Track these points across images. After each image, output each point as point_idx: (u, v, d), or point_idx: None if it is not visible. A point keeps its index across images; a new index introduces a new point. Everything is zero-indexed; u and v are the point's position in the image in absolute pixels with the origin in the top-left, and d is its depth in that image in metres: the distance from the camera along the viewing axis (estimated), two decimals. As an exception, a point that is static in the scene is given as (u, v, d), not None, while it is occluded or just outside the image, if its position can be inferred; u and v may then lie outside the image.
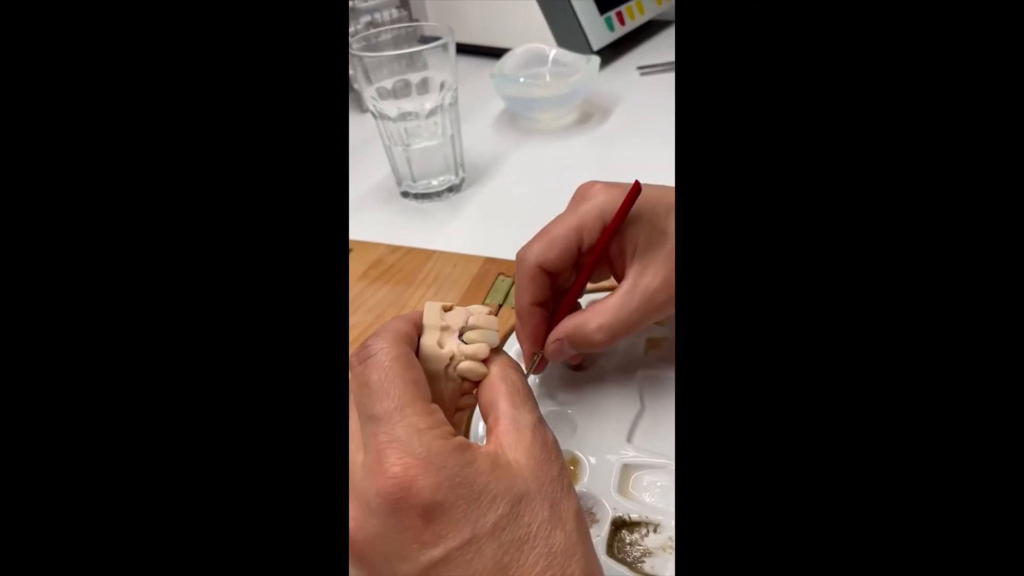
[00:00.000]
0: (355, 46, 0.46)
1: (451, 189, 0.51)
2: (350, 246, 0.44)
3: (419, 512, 0.16)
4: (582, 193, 0.27)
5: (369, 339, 0.19)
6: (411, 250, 0.42)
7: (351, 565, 0.17)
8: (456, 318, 0.22)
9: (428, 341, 0.21)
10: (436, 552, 0.15)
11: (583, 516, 0.18)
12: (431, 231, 0.47)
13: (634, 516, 0.24)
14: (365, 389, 0.18)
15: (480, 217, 0.48)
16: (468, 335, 0.21)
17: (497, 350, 0.22)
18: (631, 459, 0.26)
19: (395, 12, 0.71)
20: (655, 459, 0.26)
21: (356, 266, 0.41)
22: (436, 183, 0.51)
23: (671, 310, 0.26)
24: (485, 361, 0.21)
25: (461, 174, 0.52)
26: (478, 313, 0.22)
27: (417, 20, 0.74)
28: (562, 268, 0.26)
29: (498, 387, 0.20)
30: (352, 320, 0.37)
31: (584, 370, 0.31)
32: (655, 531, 0.24)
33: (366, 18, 0.69)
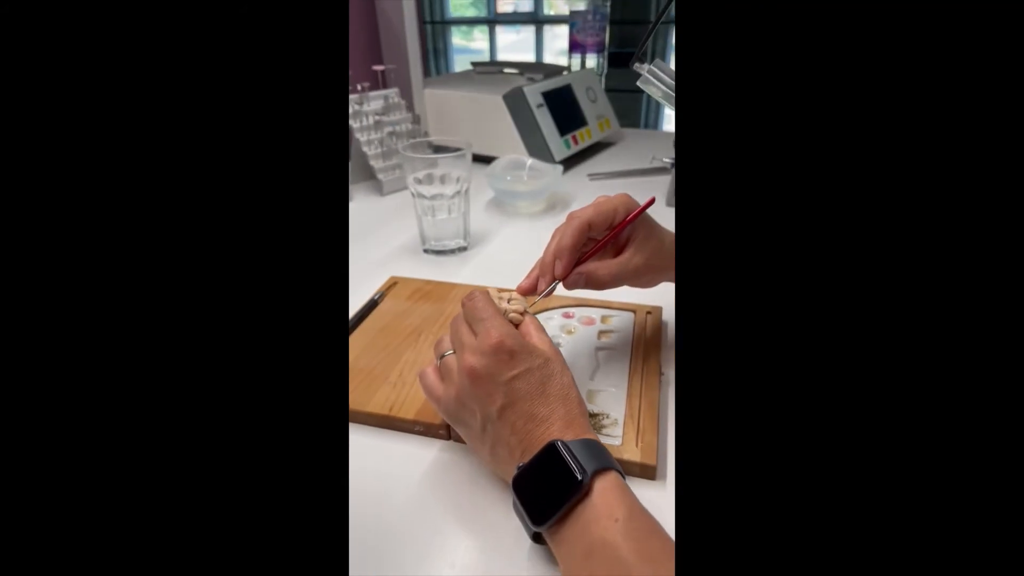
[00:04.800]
0: (401, 147, 0.68)
1: (459, 249, 0.72)
2: (394, 280, 0.63)
3: (506, 353, 0.34)
4: (600, 201, 0.43)
5: (471, 292, 0.39)
6: (441, 283, 0.62)
7: (472, 387, 0.35)
8: (505, 295, 0.42)
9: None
10: (514, 372, 0.34)
11: (574, 379, 0.38)
12: (444, 277, 0.67)
13: (595, 411, 0.44)
14: (475, 309, 0.37)
15: (479, 270, 0.69)
16: (511, 303, 0.41)
17: (526, 312, 0.42)
18: (592, 387, 0.46)
19: (410, 125, 0.95)
20: (605, 387, 0.46)
21: (403, 291, 0.60)
22: (450, 244, 0.72)
23: (643, 278, 0.44)
24: (521, 314, 0.41)
25: (467, 240, 0.73)
26: (515, 293, 0.42)
27: (426, 133, 0.98)
28: (597, 230, 0.42)
29: (529, 324, 0.40)
30: (408, 321, 0.55)
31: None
32: (606, 418, 0.43)
33: (389, 128, 0.92)
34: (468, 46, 5.34)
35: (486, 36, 4.81)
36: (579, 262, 0.43)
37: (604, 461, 0.32)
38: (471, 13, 4.98)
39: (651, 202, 0.43)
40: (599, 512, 0.29)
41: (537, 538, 0.33)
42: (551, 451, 0.32)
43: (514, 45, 5.06)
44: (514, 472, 0.33)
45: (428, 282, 0.62)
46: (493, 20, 4.59)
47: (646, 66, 0.52)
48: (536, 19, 4.49)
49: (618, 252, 0.44)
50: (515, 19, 4.64)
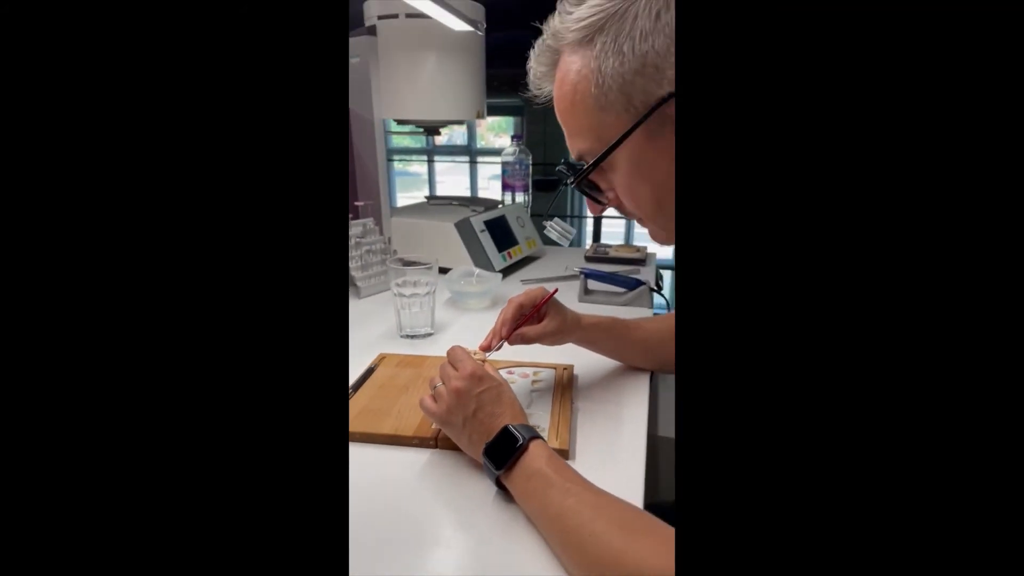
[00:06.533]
0: (388, 262, 0.95)
1: (427, 335, 0.97)
2: (383, 355, 0.86)
3: (477, 378, 0.58)
4: (529, 290, 0.71)
5: (453, 346, 0.64)
6: (417, 356, 0.86)
7: (456, 400, 0.58)
8: (471, 350, 0.67)
9: None
10: (481, 388, 0.58)
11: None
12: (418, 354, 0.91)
13: (531, 423, 0.68)
14: (455, 355, 0.62)
15: (442, 350, 0.93)
16: (475, 355, 0.66)
17: (485, 360, 0.66)
18: (528, 411, 0.70)
19: (382, 245, 1.22)
20: (536, 411, 0.70)
21: (391, 362, 0.84)
22: (421, 331, 0.96)
23: (555, 337, 0.71)
24: (483, 361, 0.66)
25: (433, 327, 0.98)
26: (477, 349, 0.68)
27: (395, 251, 1.26)
28: (527, 308, 0.68)
29: (488, 366, 0.64)
30: (398, 381, 0.78)
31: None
32: (538, 428, 0.67)
33: (366, 247, 1.19)
34: (407, 170, 5.89)
35: (423, 161, 5.35)
36: (516, 327, 0.69)
37: (535, 433, 0.56)
38: (407, 142, 5.56)
39: (555, 291, 0.73)
40: (533, 456, 0.53)
41: (498, 483, 0.56)
42: (505, 430, 0.56)
43: (449, 170, 5.65)
44: (483, 447, 0.57)
45: (408, 356, 0.86)
46: (431, 151, 5.16)
47: (549, 222, 0.88)
48: (469, 151, 5.09)
49: (539, 321, 0.72)
50: (451, 151, 5.24)
